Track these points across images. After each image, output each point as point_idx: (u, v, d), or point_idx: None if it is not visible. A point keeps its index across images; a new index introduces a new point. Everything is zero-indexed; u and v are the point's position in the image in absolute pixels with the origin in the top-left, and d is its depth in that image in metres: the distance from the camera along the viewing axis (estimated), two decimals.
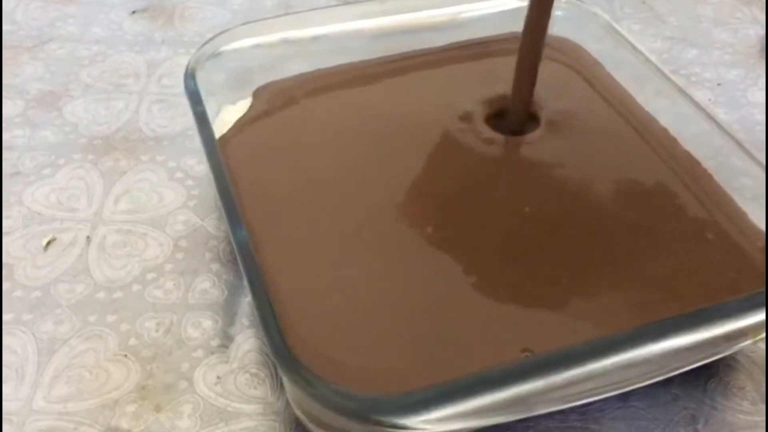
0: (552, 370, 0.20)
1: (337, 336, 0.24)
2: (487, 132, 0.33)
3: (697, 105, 0.32)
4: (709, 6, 0.51)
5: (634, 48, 0.35)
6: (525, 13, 0.38)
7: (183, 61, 0.33)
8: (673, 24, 0.48)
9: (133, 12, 0.46)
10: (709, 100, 0.42)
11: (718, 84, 0.44)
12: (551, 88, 0.36)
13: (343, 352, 0.24)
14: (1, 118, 0.38)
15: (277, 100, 0.34)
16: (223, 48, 0.34)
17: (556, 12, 0.38)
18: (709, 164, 0.31)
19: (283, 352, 0.21)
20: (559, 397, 0.21)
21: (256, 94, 0.34)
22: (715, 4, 0.51)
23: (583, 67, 0.37)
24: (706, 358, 0.23)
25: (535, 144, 0.32)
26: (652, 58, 0.35)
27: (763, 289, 0.24)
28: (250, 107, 0.33)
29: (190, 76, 0.31)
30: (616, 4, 0.50)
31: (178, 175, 0.35)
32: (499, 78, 0.35)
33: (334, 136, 0.32)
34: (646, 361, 0.22)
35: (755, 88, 0.43)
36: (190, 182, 0.35)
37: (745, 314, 0.23)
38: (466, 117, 0.34)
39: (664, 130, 0.33)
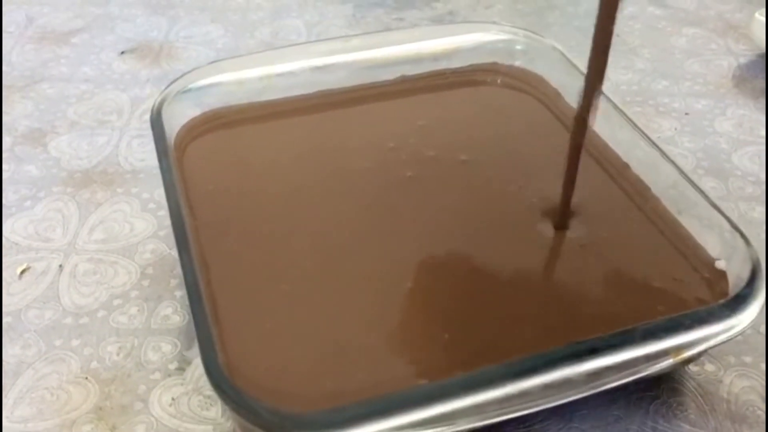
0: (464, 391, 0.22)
1: (271, 363, 0.26)
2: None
3: (649, 139, 0.33)
4: (684, 38, 0.52)
5: None
6: (488, 46, 0.40)
7: None
8: (646, 56, 0.50)
9: (122, 52, 0.48)
10: (675, 129, 0.43)
11: (686, 114, 0.45)
12: (514, 114, 0.38)
13: (276, 378, 0.25)
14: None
15: (233, 128, 0.36)
16: (191, 85, 0.36)
17: (516, 46, 0.40)
18: (661, 193, 0.32)
19: (215, 370, 0.23)
20: (478, 413, 0.22)
21: (211, 121, 0.36)
22: (689, 36, 0.52)
23: (543, 96, 0.38)
24: (631, 376, 0.24)
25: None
26: (621, 88, 0.36)
27: (687, 312, 0.25)
28: (207, 133, 0.35)
29: (155, 114, 0.33)
30: (590, 38, 0.51)
31: (151, 206, 0.37)
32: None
33: (301, 167, 0.34)
34: (567, 381, 0.23)
35: (722, 117, 0.44)
36: (161, 212, 0.36)
37: (665, 336, 0.24)
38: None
39: (617, 157, 0.34)
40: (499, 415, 0.23)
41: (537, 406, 0.23)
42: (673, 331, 0.24)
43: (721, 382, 0.30)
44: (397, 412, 0.22)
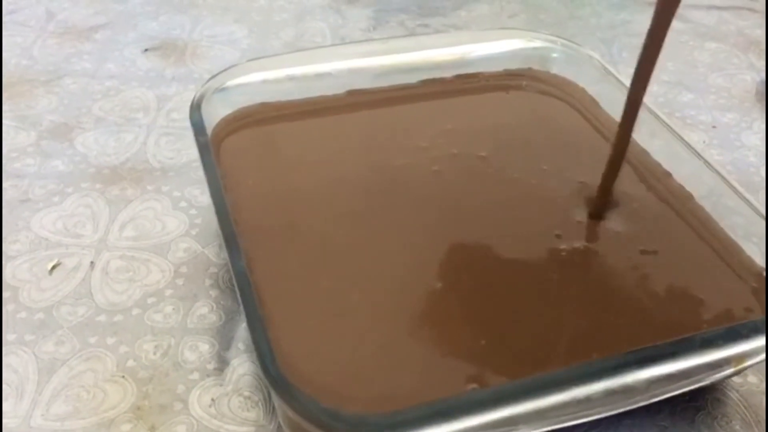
0: (530, 395, 0.21)
1: (321, 362, 0.25)
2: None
3: (689, 146, 0.33)
4: (707, 52, 0.52)
5: (627, 89, 0.36)
6: (523, 53, 0.40)
7: (192, 96, 0.35)
8: (670, 69, 0.50)
9: (146, 50, 0.48)
10: (704, 142, 0.43)
11: (713, 126, 0.45)
12: (548, 121, 0.38)
13: (327, 377, 0.24)
14: (0, 144, 0.39)
15: (268, 125, 0.36)
16: (229, 83, 0.35)
17: (552, 54, 0.39)
18: (701, 202, 0.32)
19: (274, 371, 0.22)
20: (541, 419, 0.22)
21: (245, 117, 0.35)
22: (712, 51, 0.52)
23: (579, 102, 0.38)
24: (690, 385, 0.24)
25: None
26: (647, 100, 0.36)
27: (747, 321, 0.24)
28: (241, 129, 0.35)
29: (195, 109, 0.33)
30: (615, 48, 0.51)
31: (182, 204, 0.36)
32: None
33: (337, 164, 0.34)
34: (630, 388, 0.23)
35: (749, 131, 0.44)
36: (193, 211, 0.36)
37: (727, 344, 0.24)
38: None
39: (658, 165, 0.34)
40: (560, 422, 0.22)
41: (599, 413, 0.23)
42: (735, 339, 0.24)
43: (764, 393, 0.30)
44: (462, 415, 0.21)
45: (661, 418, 0.28)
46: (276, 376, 0.22)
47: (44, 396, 0.28)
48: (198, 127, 0.32)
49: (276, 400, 0.23)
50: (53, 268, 0.33)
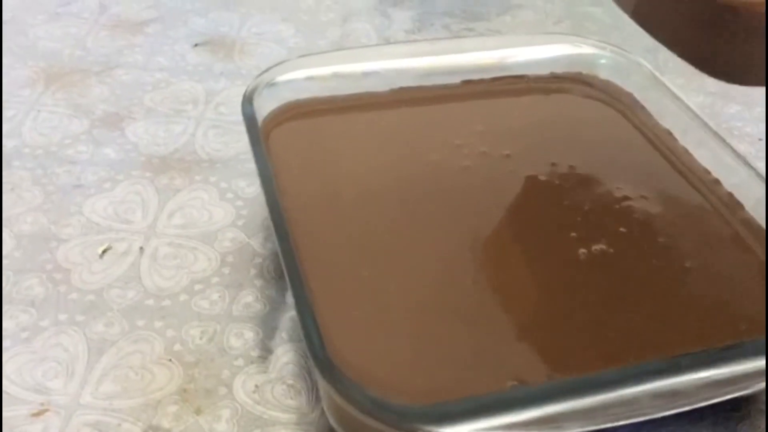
0: (576, 394, 0.22)
1: (365, 352, 0.26)
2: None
3: (738, 155, 0.33)
4: None
5: (677, 97, 0.36)
6: (569, 59, 0.40)
7: (240, 91, 0.35)
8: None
9: (196, 45, 0.49)
10: (750, 154, 0.43)
11: (760, 139, 0.44)
12: (596, 126, 0.38)
13: (370, 366, 0.25)
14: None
15: (313, 118, 0.36)
16: (279, 78, 0.36)
17: (601, 60, 0.39)
18: (751, 213, 0.32)
19: (322, 356, 0.23)
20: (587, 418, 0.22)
21: (291, 110, 0.36)
22: None
23: (627, 109, 0.38)
24: (734, 392, 0.24)
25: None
26: (694, 109, 0.36)
27: None
28: (288, 122, 0.36)
29: (247, 101, 0.33)
30: (660, 58, 0.51)
31: (229, 195, 0.37)
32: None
33: (387, 162, 0.34)
34: (675, 392, 0.23)
35: None
36: (239, 203, 0.36)
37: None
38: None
39: (707, 171, 0.34)
40: (603, 422, 0.23)
41: (642, 416, 0.23)
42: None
43: None
44: (506, 410, 0.22)
45: (704, 426, 0.28)
46: (324, 361, 0.22)
47: (94, 375, 0.29)
48: (250, 119, 0.33)
49: (322, 385, 0.24)
50: (104, 252, 0.34)
